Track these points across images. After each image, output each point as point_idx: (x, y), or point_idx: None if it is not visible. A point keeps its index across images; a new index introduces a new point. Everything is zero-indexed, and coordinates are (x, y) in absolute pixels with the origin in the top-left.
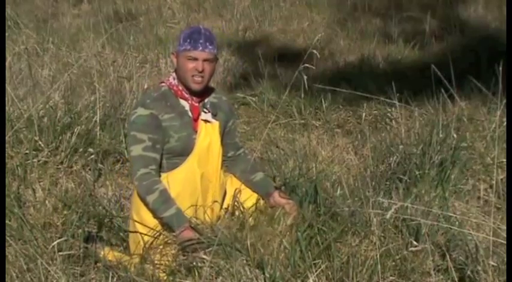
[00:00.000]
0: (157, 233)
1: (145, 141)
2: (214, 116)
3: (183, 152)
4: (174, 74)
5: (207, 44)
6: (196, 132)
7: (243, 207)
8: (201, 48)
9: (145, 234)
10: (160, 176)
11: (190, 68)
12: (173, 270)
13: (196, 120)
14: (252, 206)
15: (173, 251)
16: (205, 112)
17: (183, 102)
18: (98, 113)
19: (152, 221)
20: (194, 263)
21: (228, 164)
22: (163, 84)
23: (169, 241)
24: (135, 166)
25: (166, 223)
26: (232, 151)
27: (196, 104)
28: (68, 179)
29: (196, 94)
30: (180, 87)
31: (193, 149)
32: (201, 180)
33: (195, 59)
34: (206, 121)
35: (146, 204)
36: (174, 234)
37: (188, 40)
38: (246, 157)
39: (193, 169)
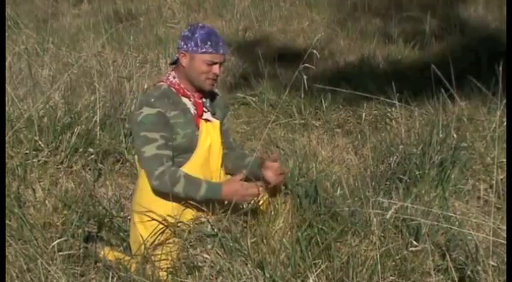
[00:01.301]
0: (160, 232)
1: (158, 140)
2: (213, 114)
3: (188, 149)
4: (173, 73)
5: (225, 46)
6: (198, 128)
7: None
8: (222, 51)
9: (149, 231)
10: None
11: (207, 70)
12: (174, 269)
13: (200, 116)
14: (253, 205)
15: (174, 250)
16: (205, 111)
17: (184, 99)
18: (98, 113)
19: (157, 216)
20: (195, 263)
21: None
22: (162, 83)
23: (170, 241)
24: (152, 166)
25: (204, 200)
26: (225, 149)
27: (199, 100)
28: (68, 179)
29: (198, 91)
30: (182, 85)
31: (196, 148)
32: (203, 179)
33: (214, 63)
34: (207, 120)
35: (176, 195)
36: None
37: (209, 42)
38: (236, 149)
39: (196, 169)
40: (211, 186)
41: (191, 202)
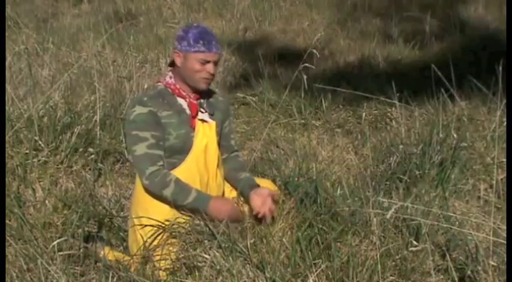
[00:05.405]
0: (160, 232)
1: (149, 139)
2: (211, 115)
3: (182, 150)
4: (170, 73)
5: (218, 45)
6: (194, 129)
7: (244, 208)
8: (214, 50)
9: (148, 232)
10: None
11: (201, 69)
12: (174, 269)
13: (194, 117)
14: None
15: (173, 251)
16: (202, 112)
17: (180, 100)
18: (98, 113)
19: (156, 218)
20: (195, 263)
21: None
22: (159, 83)
23: (169, 242)
24: (143, 165)
25: (190, 209)
26: (226, 153)
27: (195, 102)
28: (68, 179)
29: (195, 91)
30: (178, 86)
31: (191, 148)
32: (199, 180)
33: (207, 62)
34: (203, 121)
35: (164, 199)
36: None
37: (201, 41)
38: (237, 158)
39: (192, 169)
40: (200, 197)
41: None
